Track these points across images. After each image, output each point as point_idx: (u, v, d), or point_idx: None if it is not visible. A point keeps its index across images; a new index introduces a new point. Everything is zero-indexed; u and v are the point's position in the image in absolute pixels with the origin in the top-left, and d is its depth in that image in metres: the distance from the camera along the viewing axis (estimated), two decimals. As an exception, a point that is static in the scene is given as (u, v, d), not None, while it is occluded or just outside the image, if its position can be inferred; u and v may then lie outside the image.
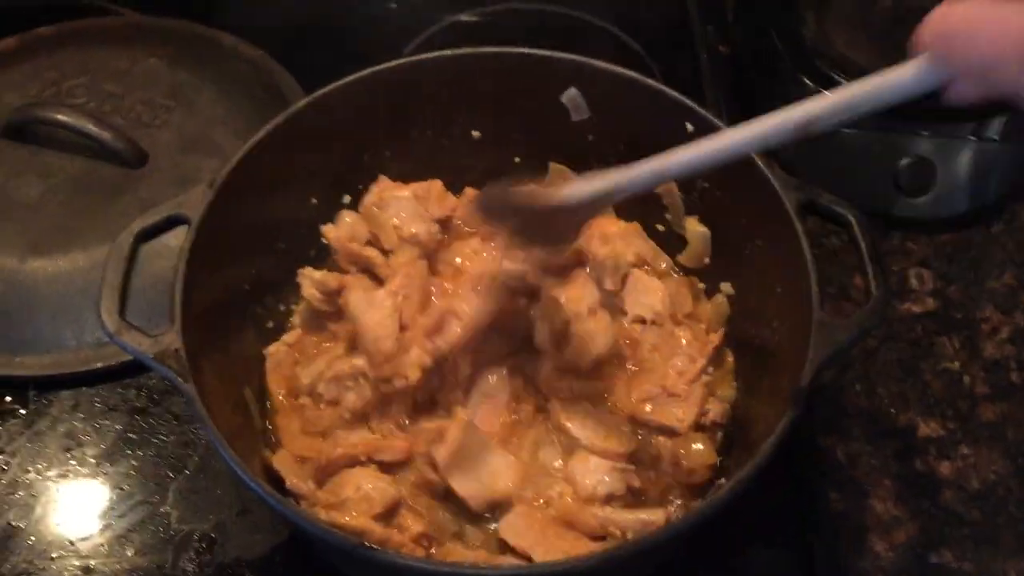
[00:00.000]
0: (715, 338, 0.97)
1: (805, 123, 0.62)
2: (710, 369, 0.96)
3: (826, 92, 0.64)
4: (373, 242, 1.01)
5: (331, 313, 0.99)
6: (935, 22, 0.54)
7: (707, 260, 1.03)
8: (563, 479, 0.90)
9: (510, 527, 0.86)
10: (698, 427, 0.93)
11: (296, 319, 1.02)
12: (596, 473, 0.88)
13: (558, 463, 0.91)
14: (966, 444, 1.00)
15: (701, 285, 1.04)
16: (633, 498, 0.88)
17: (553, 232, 0.83)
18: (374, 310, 0.91)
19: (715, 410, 0.94)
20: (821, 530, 0.95)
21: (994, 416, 1.02)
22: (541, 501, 0.89)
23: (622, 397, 0.94)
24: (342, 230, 1.02)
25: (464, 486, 0.87)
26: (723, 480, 0.89)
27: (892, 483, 0.97)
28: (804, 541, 0.94)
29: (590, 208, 0.80)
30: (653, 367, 0.96)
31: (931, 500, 0.96)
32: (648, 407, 0.93)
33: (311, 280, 0.98)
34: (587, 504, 0.87)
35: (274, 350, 0.99)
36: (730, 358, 0.99)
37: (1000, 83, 0.51)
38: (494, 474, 0.88)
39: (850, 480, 0.97)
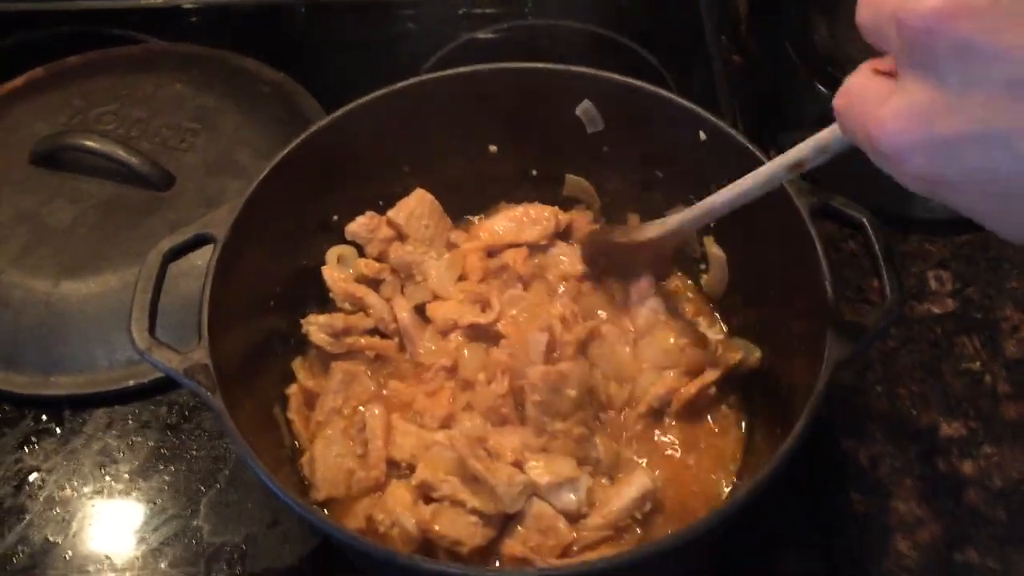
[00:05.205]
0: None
1: (796, 163, 0.74)
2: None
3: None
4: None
5: (342, 355, 1.00)
6: (840, 89, 0.58)
7: (726, 285, 1.04)
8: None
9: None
10: None
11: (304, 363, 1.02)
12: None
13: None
14: (989, 443, 1.00)
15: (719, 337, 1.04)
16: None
17: (633, 264, 1.01)
18: None
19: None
20: (844, 531, 0.95)
21: (1016, 415, 1.02)
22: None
23: None
24: (337, 269, 1.04)
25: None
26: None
27: (915, 483, 0.98)
28: (827, 542, 0.94)
29: (662, 243, 0.96)
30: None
31: (954, 500, 0.96)
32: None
33: (317, 325, 0.99)
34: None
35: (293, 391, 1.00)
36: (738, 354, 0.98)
37: (872, 151, 0.54)
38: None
39: (873, 481, 0.98)
